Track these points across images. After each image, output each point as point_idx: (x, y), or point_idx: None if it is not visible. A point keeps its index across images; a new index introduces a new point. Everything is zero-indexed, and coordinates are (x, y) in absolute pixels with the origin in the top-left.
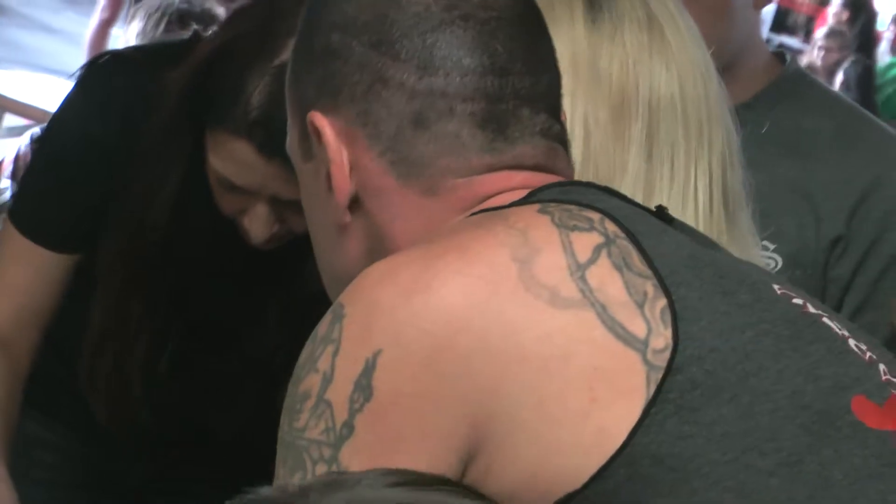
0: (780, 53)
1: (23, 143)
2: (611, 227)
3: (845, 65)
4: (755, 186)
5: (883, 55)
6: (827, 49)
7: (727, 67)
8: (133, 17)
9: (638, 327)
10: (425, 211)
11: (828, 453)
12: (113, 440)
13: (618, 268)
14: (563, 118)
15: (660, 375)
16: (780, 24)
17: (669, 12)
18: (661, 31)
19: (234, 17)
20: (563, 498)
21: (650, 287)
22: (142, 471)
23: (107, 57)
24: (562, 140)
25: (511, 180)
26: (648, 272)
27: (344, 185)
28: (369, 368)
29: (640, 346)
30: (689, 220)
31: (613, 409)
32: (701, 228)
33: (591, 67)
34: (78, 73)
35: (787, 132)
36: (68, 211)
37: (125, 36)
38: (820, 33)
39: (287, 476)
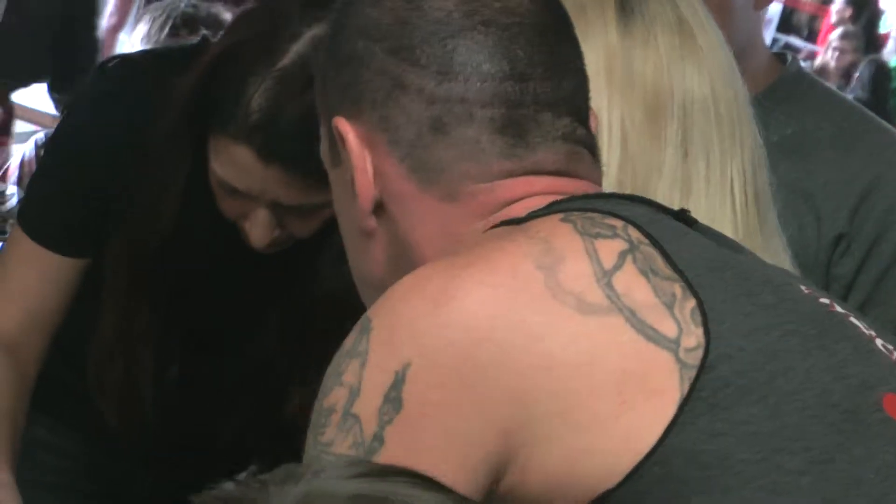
0: (782, 54)
1: (28, 148)
2: (634, 233)
3: (861, 65)
4: None
5: (890, 54)
6: (841, 50)
7: None
8: (138, 21)
9: (668, 328)
10: (445, 217)
11: (858, 451)
12: (120, 445)
13: (643, 273)
14: (592, 122)
15: (693, 373)
16: (786, 24)
17: (698, 16)
18: (692, 34)
19: (236, 23)
20: (600, 496)
21: (678, 289)
22: (146, 476)
23: (114, 61)
24: (587, 143)
25: (532, 186)
26: (675, 275)
27: (367, 190)
28: (399, 381)
29: (672, 345)
30: (726, 218)
31: (644, 411)
32: (739, 226)
33: (625, 70)
34: (91, 75)
35: (788, 133)
36: (75, 215)
37: (130, 40)
38: (834, 34)
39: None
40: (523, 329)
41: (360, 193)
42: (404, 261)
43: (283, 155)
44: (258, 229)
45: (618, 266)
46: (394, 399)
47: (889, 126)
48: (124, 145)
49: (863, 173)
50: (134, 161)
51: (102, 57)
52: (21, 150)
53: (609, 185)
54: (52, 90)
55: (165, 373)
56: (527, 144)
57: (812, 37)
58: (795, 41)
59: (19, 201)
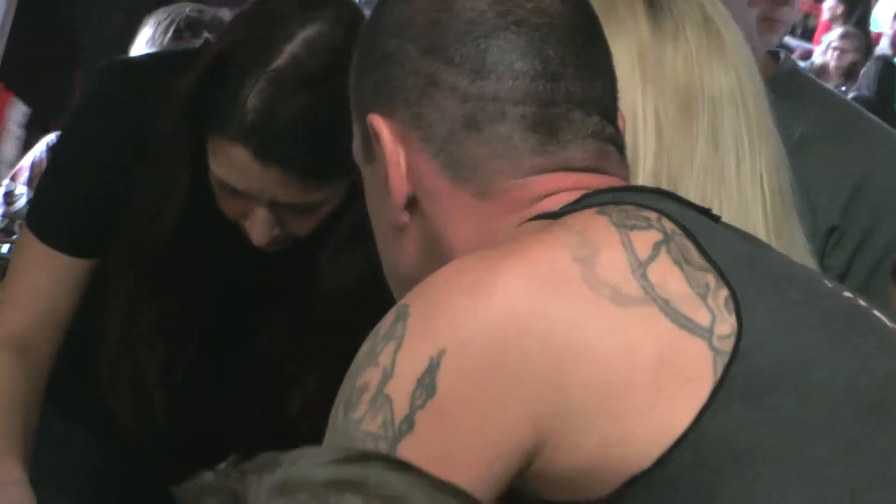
0: (775, 52)
1: (39, 150)
2: (668, 224)
3: (868, 63)
4: None
5: (883, 51)
6: (842, 50)
7: None
8: (143, 25)
9: (702, 317)
10: (479, 213)
11: (883, 442)
12: (129, 444)
13: (678, 263)
14: (620, 122)
15: (726, 360)
16: None
17: (722, 14)
18: (718, 32)
19: (232, 25)
20: (630, 480)
21: (711, 279)
22: (154, 475)
23: (117, 65)
24: (615, 142)
25: (564, 182)
26: (707, 265)
27: (401, 185)
28: (433, 367)
29: (706, 333)
30: (758, 211)
31: (679, 398)
32: (769, 219)
33: (657, 65)
34: (95, 78)
35: (783, 129)
36: (80, 216)
37: (135, 44)
38: (833, 34)
39: None
40: (561, 320)
41: (393, 189)
42: (436, 256)
43: (280, 155)
44: (258, 228)
45: (652, 257)
46: (427, 385)
47: (883, 123)
48: (126, 147)
49: (856, 167)
50: (136, 163)
51: None
52: (33, 152)
53: (645, 176)
54: None
55: (171, 372)
56: (558, 142)
57: (807, 35)
58: (789, 40)
59: (27, 202)
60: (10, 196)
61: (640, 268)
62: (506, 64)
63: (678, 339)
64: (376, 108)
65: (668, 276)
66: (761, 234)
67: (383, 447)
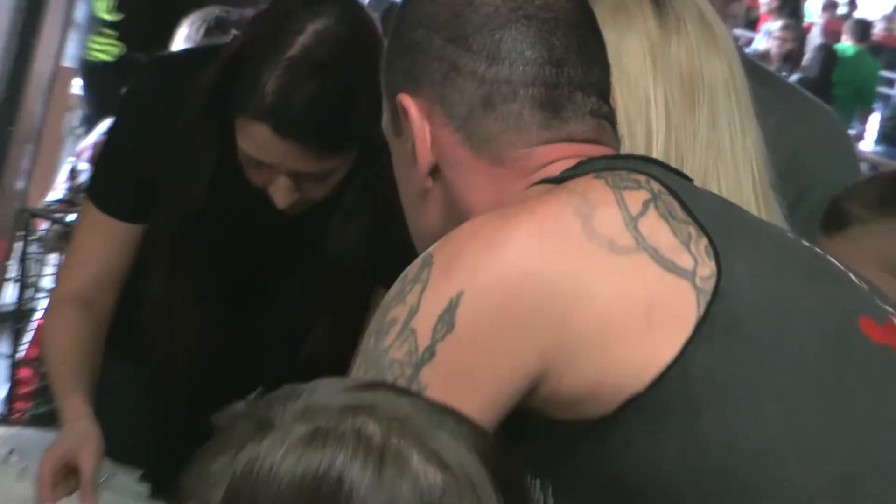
0: None
1: (101, 131)
2: (655, 185)
3: (813, 50)
4: None
5: (815, 39)
6: (783, 39)
7: None
8: (181, 25)
9: (686, 261)
10: (493, 177)
11: (846, 363)
12: (170, 390)
13: (664, 217)
14: (612, 102)
15: (708, 298)
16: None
17: (712, 11)
18: (711, 26)
19: (252, 22)
20: (625, 403)
21: (693, 230)
22: (196, 407)
23: (158, 59)
24: (609, 119)
25: (566, 151)
26: (689, 219)
27: (426, 155)
28: (453, 306)
29: (690, 275)
30: (748, 180)
31: (668, 332)
32: (758, 190)
33: (664, 55)
34: (139, 70)
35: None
36: (130, 185)
37: (174, 41)
38: (774, 25)
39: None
40: (568, 267)
41: (420, 159)
42: (456, 216)
43: (296, 131)
44: (280, 193)
45: (642, 213)
46: (447, 320)
47: (820, 101)
48: (165, 128)
49: (790, 139)
50: (171, 138)
51: None
52: (95, 133)
53: (658, 152)
54: None
55: (205, 322)
56: (561, 118)
57: (750, 25)
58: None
59: (88, 177)
60: (74, 172)
61: (632, 222)
62: (518, 52)
63: (666, 281)
64: (405, 89)
65: (656, 229)
66: (751, 201)
67: (408, 372)
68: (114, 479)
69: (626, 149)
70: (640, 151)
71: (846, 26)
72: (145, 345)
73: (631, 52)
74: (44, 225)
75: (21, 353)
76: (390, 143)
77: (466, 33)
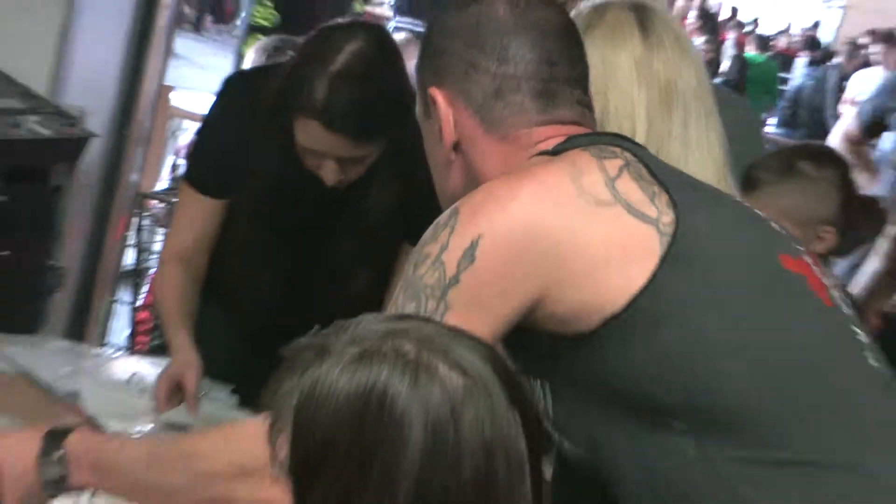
0: None
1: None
2: (628, 155)
3: (731, 60)
4: None
5: (728, 50)
6: (705, 51)
7: None
8: (249, 51)
9: (652, 212)
10: (501, 151)
11: (772, 286)
12: (250, 330)
13: (635, 179)
14: (590, 95)
15: (669, 239)
16: None
17: (684, 33)
18: (684, 45)
19: (303, 45)
20: (605, 320)
21: (657, 188)
22: (269, 343)
23: (235, 74)
24: (589, 106)
25: (558, 130)
26: (654, 180)
27: (450, 134)
28: (474, 245)
29: (655, 222)
30: (709, 166)
31: (639, 265)
32: (719, 170)
33: (647, 69)
34: (221, 84)
35: None
36: (212, 170)
37: (245, 61)
38: (699, 40)
39: (405, 301)
40: (560, 219)
41: (445, 137)
42: (473, 181)
43: (340, 126)
44: (329, 174)
45: (618, 175)
46: (469, 256)
47: (738, 95)
48: (240, 123)
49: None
50: (247, 136)
51: None
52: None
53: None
54: None
55: (274, 276)
56: (554, 105)
57: None
58: None
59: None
60: (174, 167)
61: (611, 182)
62: (521, 54)
63: (637, 227)
64: (434, 84)
65: (629, 187)
66: (713, 180)
67: (437, 294)
68: (210, 393)
69: None
70: None
71: (750, 39)
72: (230, 291)
73: (621, 65)
74: (154, 205)
75: (140, 301)
76: (422, 125)
77: (481, 40)
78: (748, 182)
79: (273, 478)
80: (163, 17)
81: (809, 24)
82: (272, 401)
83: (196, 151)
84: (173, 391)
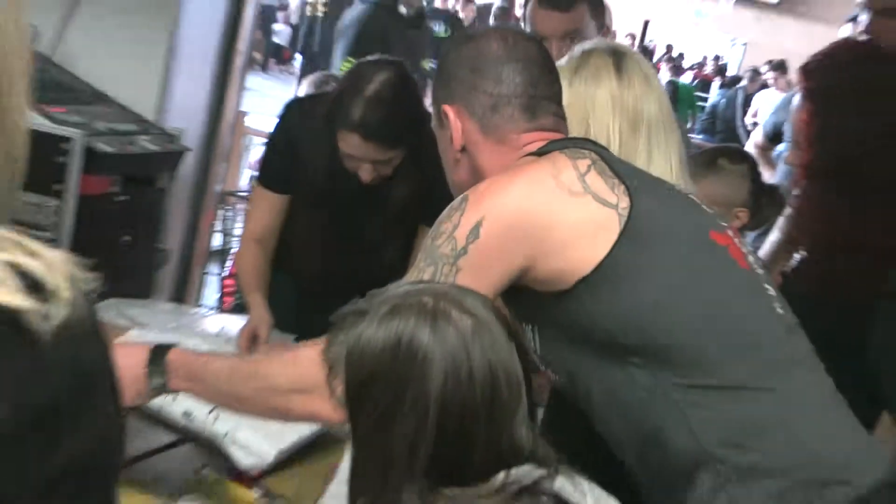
0: None
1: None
2: (594, 155)
3: (665, 85)
4: None
5: (663, 74)
6: None
7: None
8: (301, 84)
9: (612, 199)
10: (497, 152)
11: (708, 257)
12: (307, 289)
13: (600, 174)
14: (563, 109)
15: (625, 220)
16: None
17: (651, 71)
18: (649, 80)
19: (344, 77)
20: (579, 280)
21: (616, 181)
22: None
23: (292, 100)
24: (563, 118)
25: (541, 136)
26: (614, 175)
27: (458, 140)
28: (479, 224)
29: (615, 207)
30: (669, 171)
31: (603, 239)
32: (675, 174)
33: (621, 102)
34: (282, 109)
35: None
36: (280, 171)
37: (299, 90)
38: None
39: (425, 265)
40: (544, 206)
41: (455, 142)
42: (476, 176)
43: (373, 137)
44: (364, 173)
45: (587, 172)
46: (475, 232)
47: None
48: (298, 136)
49: None
50: (303, 144)
51: None
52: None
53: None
54: None
55: (326, 252)
56: (537, 117)
57: None
58: None
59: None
60: (249, 172)
61: (582, 177)
62: (511, 78)
63: (601, 211)
64: (446, 101)
65: (595, 181)
66: (671, 180)
67: (450, 260)
68: (279, 340)
69: None
70: None
71: (671, 68)
72: (293, 262)
73: (600, 99)
74: (234, 200)
75: (226, 273)
76: (436, 133)
77: (481, 68)
78: None
79: (320, 395)
80: (238, 61)
81: (722, 55)
82: (328, 354)
83: (264, 159)
84: (251, 340)
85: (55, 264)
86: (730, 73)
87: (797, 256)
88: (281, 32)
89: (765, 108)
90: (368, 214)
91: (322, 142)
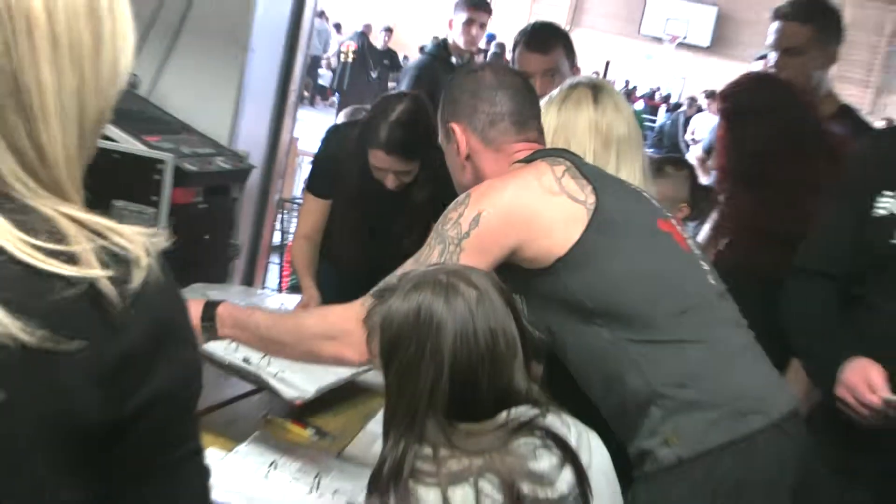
0: None
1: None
2: (568, 163)
3: None
4: None
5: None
6: None
7: None
8: (338, 114)
9: (582, 196)
10: (495, 158)
11: (656, 241)
12: (346, 270)
13: (573, 177)
14: (542, 125)
15: (592, 212)
16: None
17: (623, 99)
18: (619, 107)
19: (373, 107)
20: (557, 259)
21: (586, 183)
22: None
23: (332, 127)
24: (542, 132)
25: (528, 146)
26: (584, 178)
27: (464, 150)
28: (479, 216)
29: (584, 203)
30: (635, 178)
31: (575, 227)
32: (639, 180)
33: (596, 125)
34: (325, 133)
35: None
36: (323, 182)
37: (337, 119)
38: None
39: (434, 244)
40: (529, 202)
41: (461, 152)
42: (477, 177)
43: (395, 152)
44: (390, 181)
45: (563, 175)
46: (475, 221)
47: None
48: (336, 153)
49: None
50: (340, 160)
51: None
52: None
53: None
54: None
55: (360, 243)
56: (524, 131)
57: None
58: None
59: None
60: (303, 188)
61: (558, 180)
62: (503, 101)
63: (573, 206)
64: (452, 120)
65: (569, 182)
66: (636, 184)
67: (455, 241)
68: None
69: None
70: None
71: (627, 97)
72: (335, 252)
73: (580, 125)
74: (289, 206)
75: (283, 262)
76: (444, 147)
77: (479, 93)
78: None
79: (346, 341)
80: (292, 97)
81: (666, 87)
82: (367, 322)
83: (312, 173)
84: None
85: (135, 239)
86: (672, 100)
87: (724, 240)
88: (324, 75)
89: (701, 127)
90: (393, 214)
91: (356, 157)
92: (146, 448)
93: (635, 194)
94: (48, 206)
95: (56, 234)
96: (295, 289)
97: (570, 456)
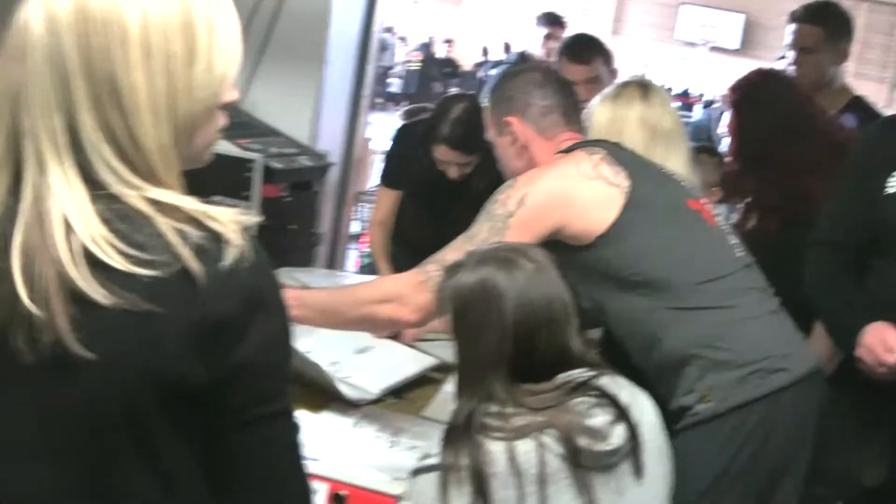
0: None
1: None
2: (605, 151)
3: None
4: None
5: None
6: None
7: None
8: (400, 112)
9: (617, 181)
10: (546, 146)
11: (684, 216)
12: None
13: (609, 164)
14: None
15: (627, 195)
16: None
17: (668, 96)
18: (665, 104)
19: (436, 106)
20: (598, 236)
21: (620, 168)
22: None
23: (401, 126)
24: (581, 124)
25: (572, 137)
26: (619, 164)
27: (521, 140)
28: (524, 197)
29: (619, 186)
30: (679, 169)
31: (612, 209)
32: (684, 171)
33: (646, 120)
34: (394, 132)
35: None
36: (394, 175)
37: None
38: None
39: (483, 221)
40: (568, 187)
41: (520, 141)
42: (528, 164)
43: (456, 146)
44: (452, 172)
45: (599, 162)
46: (521, 201)
47: None
48: (403, 152)
49: None
50: (407, 157)
51: None
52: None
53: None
54: None
55: (422, 226)
56: (570, 123)
57: None
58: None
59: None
60: (377, 182)
61: (596, 167)
62: (552, 95)
63: (610, 190)
64: (507, 114)
65: (605, 169)
66: (683, 173)
67: (503, 219)
68: None
69: None
70: None
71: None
72: (406, 236)
73: (630, 120)
74: (365, 198)
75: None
76: (494, 140)
77: (531, 89)
78: None
79: (401, 303)
80: (364, 102)
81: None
82: (440, 297)
83: (384, 167)
84: None
85: (227, 222)
86: (706, 98)
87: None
88: (393, 83)
89: None
90: (454, 201)
91: (422, 152)
92: (241, 404)
93: (666, 177)
94: (140, 194)
95: (142, 227)
96: (367, 269)
97: (622, 413)
